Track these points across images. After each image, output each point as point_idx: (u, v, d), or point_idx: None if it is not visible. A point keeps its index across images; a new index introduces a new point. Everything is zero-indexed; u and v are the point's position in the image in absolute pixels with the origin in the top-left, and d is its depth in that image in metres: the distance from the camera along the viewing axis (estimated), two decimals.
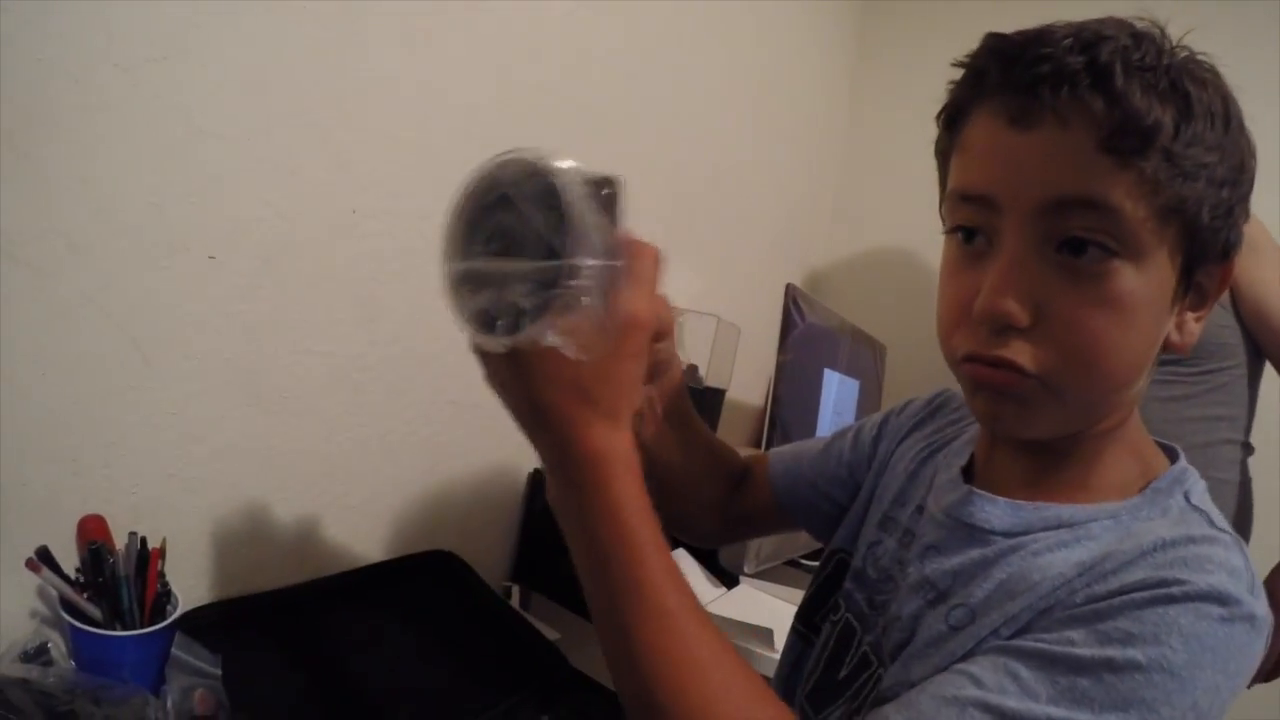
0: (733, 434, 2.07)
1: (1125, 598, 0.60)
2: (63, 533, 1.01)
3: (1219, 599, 0.58)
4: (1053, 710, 0.56)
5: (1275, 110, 2.18)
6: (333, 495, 1.36)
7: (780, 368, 1.72)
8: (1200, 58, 0.64)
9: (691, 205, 2.17)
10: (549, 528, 1.67)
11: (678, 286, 2.03)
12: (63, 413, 1.02)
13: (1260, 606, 0.60)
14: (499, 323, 0.57)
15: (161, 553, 1.02)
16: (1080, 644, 0.59)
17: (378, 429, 1.41)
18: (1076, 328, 0.63)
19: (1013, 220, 0.64)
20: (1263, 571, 1.70)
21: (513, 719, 1.21)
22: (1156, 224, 0.62)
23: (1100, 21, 0.63)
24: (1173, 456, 0.74)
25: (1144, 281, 0.63)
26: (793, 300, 1.77)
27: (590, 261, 0.56)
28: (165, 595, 1.02)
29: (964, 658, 0.65)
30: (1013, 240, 0.64)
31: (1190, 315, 0.69)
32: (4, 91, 0.91)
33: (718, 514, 1.08)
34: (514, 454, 1.71)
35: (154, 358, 1.09)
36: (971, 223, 0.67)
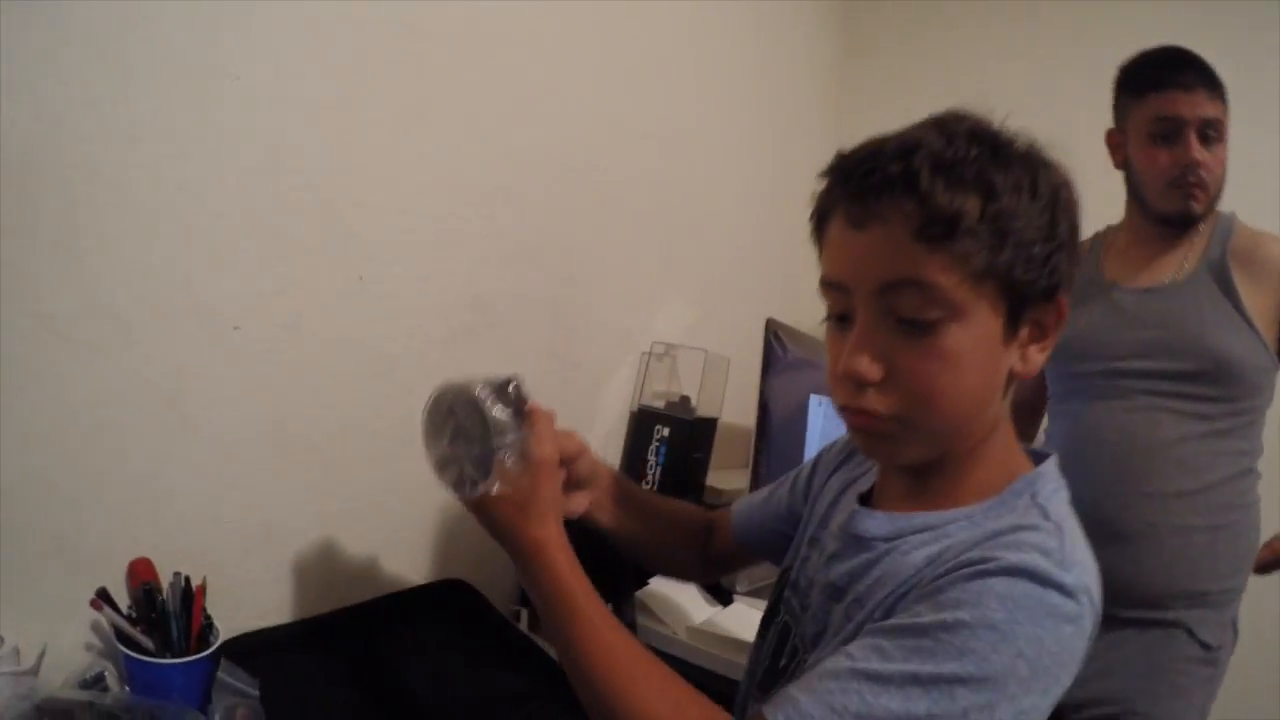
0: (727, 457, 2.19)
1: (955, 574, 0.75)
2: (115, 573, 1.17)
3: (1027, 572, 0.72)
4: (904, 666, 0.71)
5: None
6: (355, 532, 1.51)
7: (764, 400, 1.85)
8: (1020, 137, 0.81)
9: (680, 241, 2.31)
10: None
11: (670, 320, 2.17)
12: (113, 469, 1.18)
13: (1069, 577, 0.73)
14: (466, 484, 0.94)
15: (203, 590, 1.17)
16: (922, 614, 0.73)
17: (394, 471, 1.55)
18: (914, 377, 0.79)
19: (859, 300, 0.80)
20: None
21: None
22: (972, 286, 0.76)
23: (924, 127, 0.80)
24: (1039, 461, 0.89)
25: (968, 333, 0.78)
26: (773, 335, 1.90)
27: (507, 437, 0.92)
28: (208, 626, 1.17)
29: (848, 640, 0.79)
30: (862, 315, 0.80)
31: (1033, 347, 0.84)
32: (49, 200, 1.08)
33: (697, 560, 1.33)
34: None
35: (191, 418, 1.25)
36: (837, 307, 0.84)
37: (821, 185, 0.86)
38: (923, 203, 0.75)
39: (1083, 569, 0.76)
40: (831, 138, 3.06)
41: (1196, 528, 1.65)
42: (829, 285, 0.85)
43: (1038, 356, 0.85)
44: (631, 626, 1.68)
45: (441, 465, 0.98)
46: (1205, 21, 2.45)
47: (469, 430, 0.94)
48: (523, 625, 1.72)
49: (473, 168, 1.65)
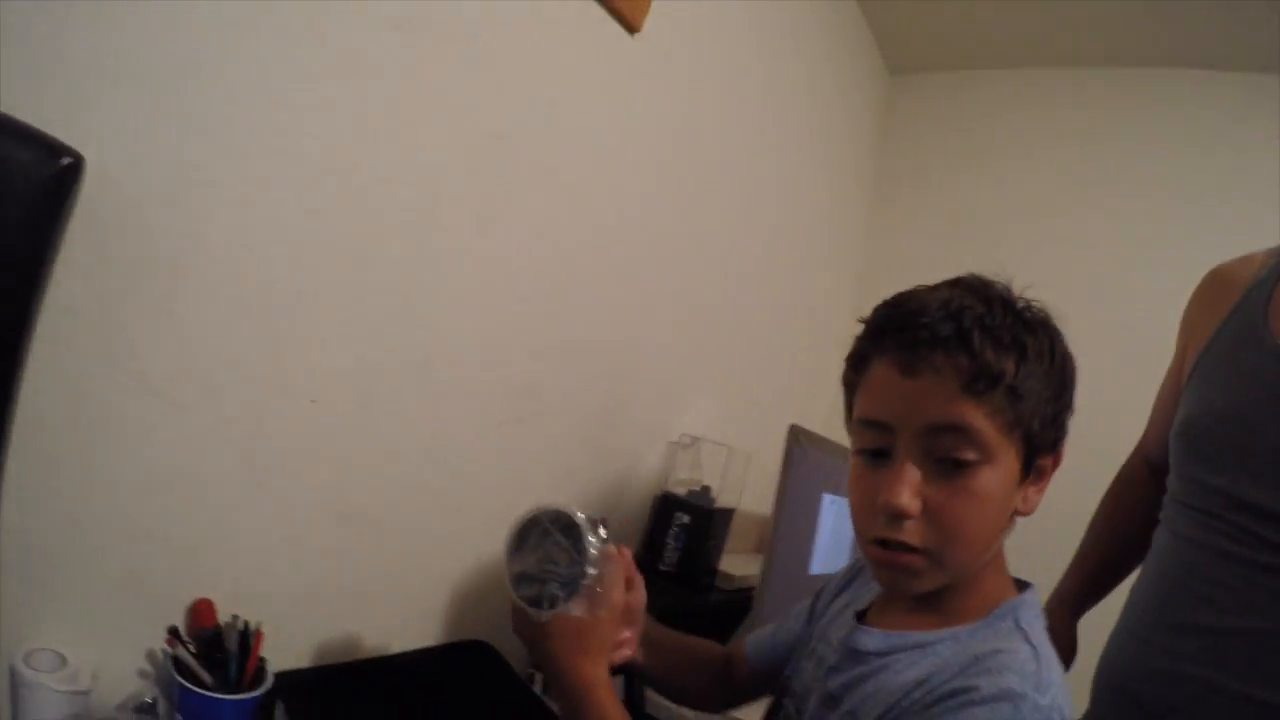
0: (743, 541, 2.29)
1: (943, 704, 0.81)
2: (176, 607, 1.29)
3: (1008, 697, 0.78)
4: None
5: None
6: (393, 592, 1.64)
7: (781, 495, 1.95)
8: (1035, 305, 0.93)
9: (711, 342, 2.45)
10: None
11: (696, 413, 2.29)
12: (186, 515, 1.29)
13: (1045, 697, 0.79)
14: (544, 602, 1.04)
15: (262, 636, 1.28)
16: None
17: (433, 537, 1.69)
18: (948, 513, 0.87)
19: (904, 439, 0.88)
20: None
21: None
22: (1004, 434, 0.87)
23: (960, 290, 0.92)
24: (1022, 588, 0.96)
25: (997, 475, 0.87)
26: (795, 439, 2.00)
27: (592, 570, 1.03)
28: (262, 668, 1.28)
29: None
30: (905, 453, 0.88)
31: (1032, 489, 0.93)
32: (159, 268, 1.20)
33: (720, 690, 1.38)
34: None
35: (261, 479, 1.38)
36: (873, 444, 0.93)
37: (860, 332, 0.97)
38: (973, 359, 0.85)
39: (1057, 690, 0.82)
40: (858, 268, 3.21)
41: None
42: (869, 424, 0.93)
43: (1035, 497, 0.94)
44: (641, 700, 1.78)
45: (520, 579, 1.08)
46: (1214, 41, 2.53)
47: (558, 554, 1.05)
48: (537, 688, 1.82)
49: (534, 268, 1.79)
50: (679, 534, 2.03)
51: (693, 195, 2.26)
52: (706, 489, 2.08)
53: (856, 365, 0.97)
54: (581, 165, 1.87)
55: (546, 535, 1.06)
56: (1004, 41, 3.01)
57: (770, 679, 1.27)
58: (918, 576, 0.91)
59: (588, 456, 2.03)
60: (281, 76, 1.29)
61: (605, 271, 1.98)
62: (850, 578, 1.22)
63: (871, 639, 0.98)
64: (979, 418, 0.86)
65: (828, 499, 2.19)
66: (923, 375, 0.87)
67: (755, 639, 1.36)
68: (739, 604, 2.01)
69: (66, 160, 1.01)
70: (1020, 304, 0.92)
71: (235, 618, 1.28)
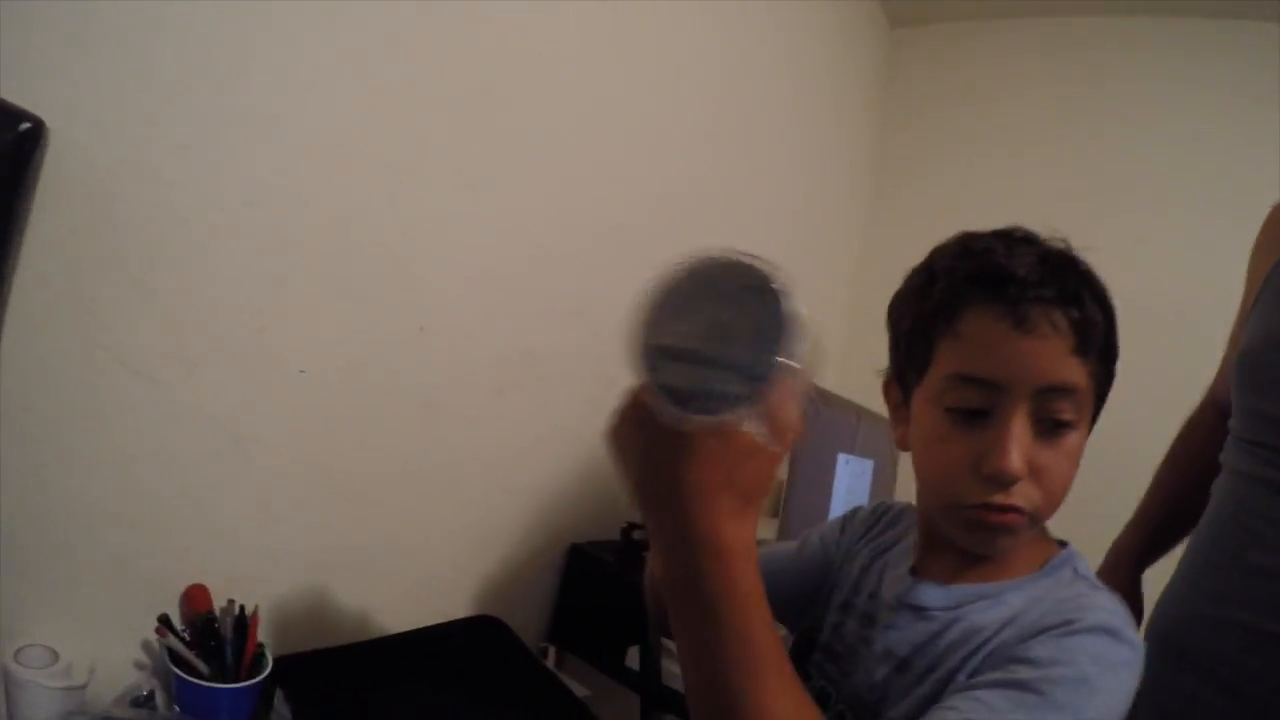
0: None
1: (1044, 635, 0.79)
2: (169, 595, 1.22)
3: (1108, 630, 0.78)
4: (1012, 715, 0.73)
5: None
6: (393, 567, 1.58)
7: (795, 455, 1.89)
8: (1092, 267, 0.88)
9: None
10: (582, 595, 1.87)
11: None
12: (173, 499, 1.24)
13: (1134, 635, 0.79)
14: (697, 400, 0.61)
15: (258, 619, 1.23)
16: (1019, 671, 0.77)
17: (435, 512, 1.63)
18: (1052, 475, 0.85)
19: (1014, 398, 0.84)
20: None
21: None
22: (1092, 395, 0.86)
23: (1045, 246, 0.88)
24: (1062, 545, 0.94)
25: (1084, 437, 0.87)
26: (810, 396, 1.95)
27: (797, 365, 0.59)
28: (260, 654, 1.23)
29: (937, 702, 0.81)
30: (1016, 414, 0.84)
31: None
32: (133, 240, 1.14)
33: None
34: (553, 534, 1.92)
35: (250, 454, 1.32)
36: (973, 403, 0.86)
37: (950, 274, 0.89)
38: (1083, 317, 0.83)
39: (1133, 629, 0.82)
40: (863, 222, 3.14)
41: None
42: (971, 380, 0.86)
43: None
44: (656, 669, 1.73)
45: (662, 355, 0.64)
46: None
47: (741, 328, 0.62)
48: (549, 662, 1.77)
49: (530, 229, 1.73)
50: None
51: (691, 153, 2.20)
52: None
53: (945, 314, 0.89)
54: (576, 125, 1.81)
55: (724, 298, 0.63)
56: None
57: (784, 613, 1.12)
58: (1014, 536, 0.88)
59: (593, 421, 1.93)
60: (256, 35, 1.23)
61: (603, 232, 1.92)
62: (874, 520, 1.16)
63: (935, 594, 0.93)
64: (1084, 378, 0.84)
65: (843, 458, 2.13)
66: (1039, 332, 0.83)
67: (769, 569, 1.22)
68: None
69: (26, 126, 0.97)
70: (1085, 264, 0.88)
71: (231, 602, 1.24)
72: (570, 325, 1.86)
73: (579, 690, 1.64)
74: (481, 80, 1.57)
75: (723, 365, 0.61)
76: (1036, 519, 0.87)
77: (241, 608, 1.23)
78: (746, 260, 0.63)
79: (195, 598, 1.22)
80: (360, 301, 1.43)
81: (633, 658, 1.79)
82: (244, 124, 1.24)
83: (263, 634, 1.27)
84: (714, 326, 0.63)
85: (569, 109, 1.78)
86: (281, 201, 1.30)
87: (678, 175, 2.14)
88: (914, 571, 0.99)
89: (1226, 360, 1.35)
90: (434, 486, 1.61)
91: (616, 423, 0.69)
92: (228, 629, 1.21)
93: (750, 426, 0.61)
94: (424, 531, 1.62)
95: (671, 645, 1.62)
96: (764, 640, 0.65)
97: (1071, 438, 0.85)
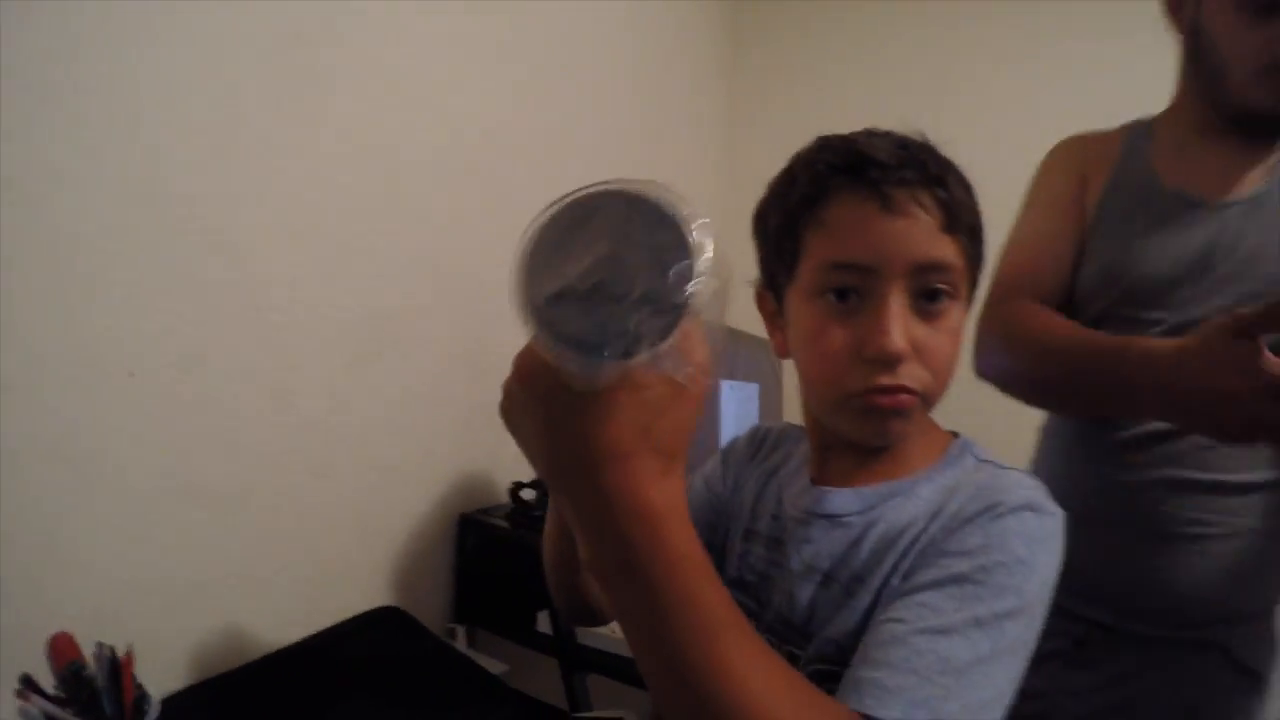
0: None
1: (972, 523, 0.80)
2: (33, 648, 1.06)
3: (1031, 506, 0.80)
4: (961, 613, 0.74)
5: None
6: (274, 573, 1.44)
7: None
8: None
9: None
10: (482, 569, 1.77)
11: None
12: (17, 539, 1.09)
13: (1054, 504, 0.82)
14: (598, 349, 0.53)
15: (131, 659, 1.09)
16: (954, 565, 0.77)
17: (308, 504, 1.49)
18: (934, 353, 0.84)
19: (888, 279, 0.83)
20: None
21: None
22: (966, 271, 0.86)
23: (907, 136, 0.88)
24: (955, 435, 0.94)
25: (962, 313, 0.87)
26: None
27: (714, 284, 0.52)
28: (141, 697, 1.10)
29: (875, 612, 0.81)
30: (892, 296, 0.83)
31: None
32: None
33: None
34: (438, 504, 1.80)
35: (89, 473, 1.17)
36: (848, 285, 0.85)
37: (815, 168, 0.88)
38: (949, 196, 0.84)
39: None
40: (723, 135, 3.09)
41: (1252, 532, 1.26)
42: (843, 266, 0.85)
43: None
44: (570, 630, 1.66)
45: (559, 302, 0.54)
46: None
47: (640, 259, 0.53)
48: (460, 644, 1.69)
49: (363, 182, 1.59)
50: None
51: (542, 95, 2.11)
52: None
53: (810, 205, 0.88)
54: (402, 67, 1.67)
55: (610, 231, 0.54)
56: None
57: None
58: (910, 420, 0.87)
59: (465, 382, 1.86)
60: None
61: (449, 180, 1.80)
62: (756, 445, 1.13)
63: (845, 499, 0.91)
64: (957, 255, 0.85)
65: (726, 386, 2.08)
66: (907, 212, 0.83)
67: None
68: None
69: None
70: (943, 151, 0.90)
71: (100, 645, 1.09)
72: (420, 281, 1.74)
73: (494, 667, 1.57)
74: (293, 25, 1.43)
75: (625, 301, 0.52)
76: (928, 399, 0.86)
77: (112, 649, 1.09)
78: (627, 186, 0.55)
79: (60, 647, 1.07)
80: (185, 285, 1.29)
81: (544, 623, 1.71)
82: (38, 102, 1.10)
83: (144, 672, 1.12)
84: (605, 263, 0.53)
85: (394, 49, 1.65)
86: (84, 181, 1.15)
87: (517, 111, 2.03)
88: (815, 483, 0.97)
89: (1041, 262, 1.42)
90: (301, 477, 1.48)
91: (509, 393, 0.62)
92: (102, 676, 1.07)
93: (664, 368, 0.54)
94: (300, 528, 1.49)
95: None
96: (713, 600, 0.61)
97: (951, 315, 0.86)
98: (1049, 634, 1.20)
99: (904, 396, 0.84)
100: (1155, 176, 1.34)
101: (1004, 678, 0.75)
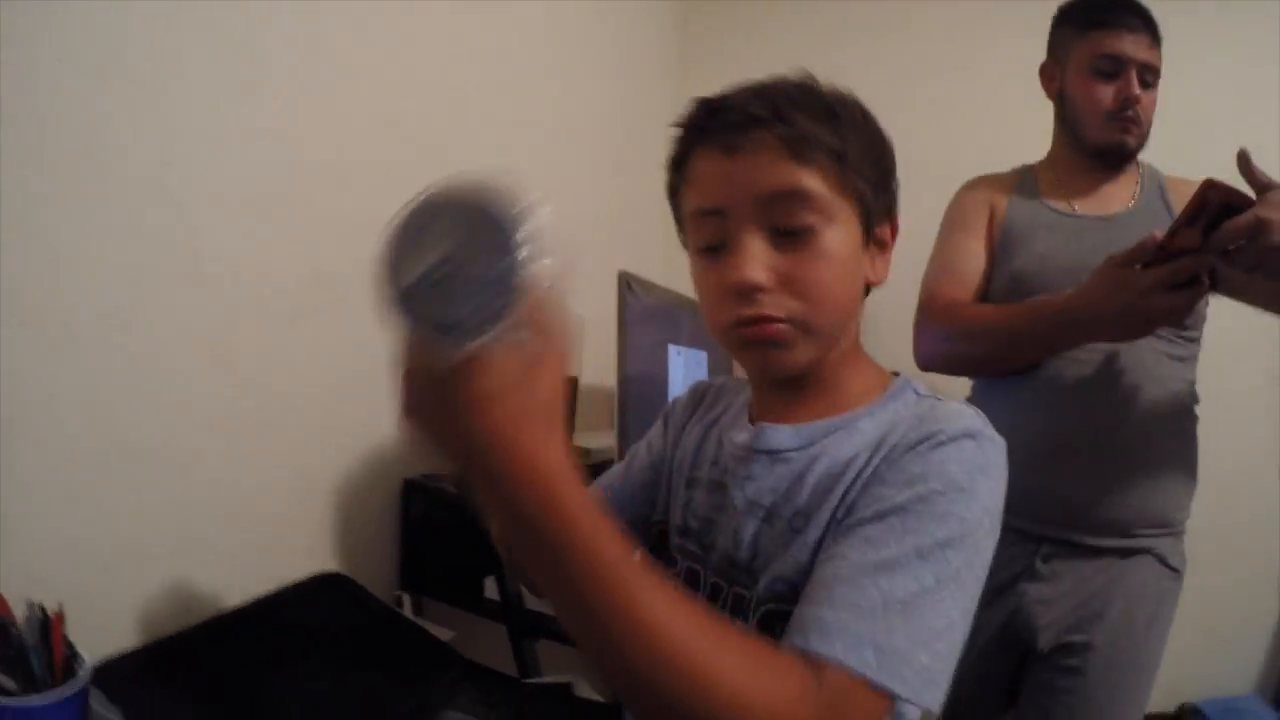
0: (590, 419, 2.16)
1: (911, 453, 0.82)
2: None
3: (970, 434, 0.82)
4: (903, 546, 0.75)
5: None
6: (215, 538, 1.40)
7: (623, 354, 1.82)
8: (843, 90, 0.92)
9: None
10: (428, 536, 1.75)
11: None
12: None
13: (995, 433, 0.85)
14: (455, 330, 0.58)
15: (61, 618, 1.06)
16: (893, 496, 0.79)
17: (248, 467, 1.45)
18: (803, 279, 0.85)
19: (738, 218, 0.86)
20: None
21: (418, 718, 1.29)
22: (837, 195, 0.86)
23: (775, 80, 0.90)
24: (896, 374, 0.98)
25: (839, 235, 0.87)
26: (626, 286, 1.86)
27: (545, 261, 0.58)
28: (72, 656, 1.06)
29: (822, 547, 0.82)
30: (744, 232, 0.86)
31: (879, 258, 0.94)
32: None
33: None
34: (383, 468, 1.77)
35: (19, 430, 1.12)
36: (713, 237, 0.89)
37: (679, 131, 0.94)
38: (791, 127, 0.84)
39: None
40: (675, 99, 3.05)
41: (1171, 452, 1.68)
42: (703, 213, 0.89)
43: (883, 268, 0.95)
44: (518, 595, 1.64)
45: (418, 298, 0.59)
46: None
47: (477, 246, 0.58)
48: (406, 611, 1.65)
49: (311, 138, 1.56)
50: None
51: (495, 55, 2.08)
52: None
53: (679, 165, 0.94)
54: (362, 22, 1.65)
55: (458, 223, 0.60)
56: None
57: (637, 532, 1.07)
58: (790, 348, 0.88)
59: None
60: None
61: (400, 142, 1.76)
62: (696, 400, 1.14)
63: (785, 435, 0.93)
64: (811, 179, 0.85)
65: (674, 350, 2.07)
66: (745, 150, 0.86)
67: (614, 493, 1.12)
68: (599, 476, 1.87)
69: None
70: (826, 85, 0.92)
71: (31, 605, 1.05)
72: (363, 239, 1.66)
73: (443, 633, 1.54)
74: None
75: (471, 283, 0.58)
76: (806, 326, 0.87)
77: (43, 607, 1.05)
78: (471, 182, 0.61)
79: None
80: (123, 238, 1.24)
81: (491, 589, 1.69)
82: None
83: (79, 635, 1.08)
84: (456, 251, 0.59)
85: (343, 9, 1.61)
86: (10, 127, 1.10)
87: (475, 77, 2.01)
88: (753, 422, 0.99)
89: (961, 270, 1.82)
90: (240, 439, 1.44)
91: (401, 395, 0.63)
92: (32, 635, 1.03)
93: (518, 340, 0.59)
94: (239, 490, 1.45)
95: None
96: (615, 552, 0.61)
97: (820, 241, 0.86)
98: (1016, 557, 1.68)
99: (770, 327, 0.86)
100: (1045, 203, 1.81)
101: (952, 606, 0.74)
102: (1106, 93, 1.70)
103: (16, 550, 1.12)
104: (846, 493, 0.84)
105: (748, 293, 0.85)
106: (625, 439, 1.77)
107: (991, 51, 2.80)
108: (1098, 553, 1.64)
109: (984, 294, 1.80)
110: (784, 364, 0.90)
